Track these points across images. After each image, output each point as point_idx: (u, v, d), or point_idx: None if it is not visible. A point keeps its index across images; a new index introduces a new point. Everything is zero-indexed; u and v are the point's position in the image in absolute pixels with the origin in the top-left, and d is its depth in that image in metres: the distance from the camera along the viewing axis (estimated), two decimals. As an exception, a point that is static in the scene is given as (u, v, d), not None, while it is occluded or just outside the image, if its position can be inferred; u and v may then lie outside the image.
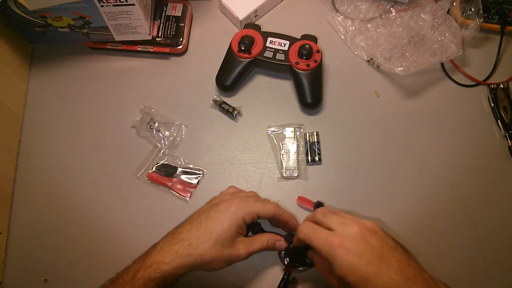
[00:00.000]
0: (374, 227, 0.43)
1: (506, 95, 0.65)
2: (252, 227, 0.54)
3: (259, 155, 0.64)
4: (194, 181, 0.62)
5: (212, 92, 0.67)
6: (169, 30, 0.68)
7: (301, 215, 0.59)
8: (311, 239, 0.43)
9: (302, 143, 0.64)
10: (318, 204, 0.58)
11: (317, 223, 0.45)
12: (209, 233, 0.45)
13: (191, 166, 0.63)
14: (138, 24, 0.63)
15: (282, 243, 0.52)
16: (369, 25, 0.70)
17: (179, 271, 0.45)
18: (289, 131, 0.64)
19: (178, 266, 0.44)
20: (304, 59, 0.62)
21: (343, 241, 0.40)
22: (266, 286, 0.56)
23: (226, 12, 0.72)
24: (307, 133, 0.64)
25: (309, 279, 0.56)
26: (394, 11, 0.71)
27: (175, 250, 0.45)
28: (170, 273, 0.44)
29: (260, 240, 0.50)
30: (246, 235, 0.51)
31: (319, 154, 0.63)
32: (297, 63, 0.62)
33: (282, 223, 0.52)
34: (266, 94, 0.67)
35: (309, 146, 0.63)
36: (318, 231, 0.43)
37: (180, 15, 0.69)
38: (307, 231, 0.44)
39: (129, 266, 0.47)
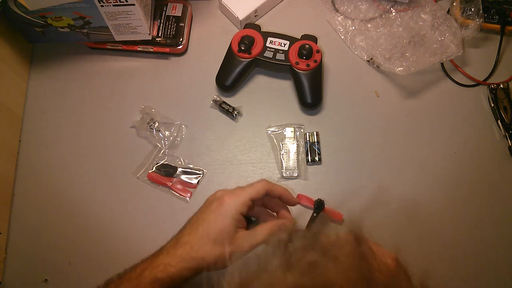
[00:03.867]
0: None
1: (506, 95, 0.65)
2: (249, 222, 0.51)
3: (259, 155, 0.64)
4: (194, 181, 0.62)
5: (212, 92, 0.67)
6: (169, 30, 0.68)
7: (301, 213, 0.59)
8: None
9: (302, 143, 0.64)
10: (319, 202, 0.58)
11: None
12: (207, 234, 0.46)
13: (191, 166, 0.63)
14: (138, 24, 0.63)
15: (286, 225, 0.50)
16: (369, 25, 0.70)
17: (184, 274, 0.45)
18: (289, 131, 0.64)
19: (183, 269, 0.45)
20: (304, 59, 0.62)
21: None
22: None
23: (226, 12, 0.72)
24: (307, 133, 0.64)
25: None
26: (394, 11, 0.71)
27: (179, 254, 0.46)
28: (176, 275, 0.45)
29: (263, 230, 0.48)
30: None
31: (319, 154, 0.63)
32: (297, 63, 0.62)
33: (276, 199, 0.50)
34: (266, 94, 0.67)
35: (309, 146, 0.63)
36: None
37: (180, 15, 0.69)
38: None
39: (136, 264, 0.48)
